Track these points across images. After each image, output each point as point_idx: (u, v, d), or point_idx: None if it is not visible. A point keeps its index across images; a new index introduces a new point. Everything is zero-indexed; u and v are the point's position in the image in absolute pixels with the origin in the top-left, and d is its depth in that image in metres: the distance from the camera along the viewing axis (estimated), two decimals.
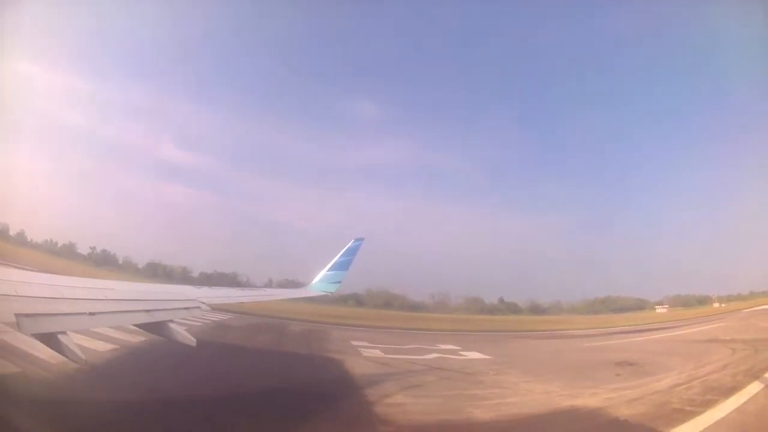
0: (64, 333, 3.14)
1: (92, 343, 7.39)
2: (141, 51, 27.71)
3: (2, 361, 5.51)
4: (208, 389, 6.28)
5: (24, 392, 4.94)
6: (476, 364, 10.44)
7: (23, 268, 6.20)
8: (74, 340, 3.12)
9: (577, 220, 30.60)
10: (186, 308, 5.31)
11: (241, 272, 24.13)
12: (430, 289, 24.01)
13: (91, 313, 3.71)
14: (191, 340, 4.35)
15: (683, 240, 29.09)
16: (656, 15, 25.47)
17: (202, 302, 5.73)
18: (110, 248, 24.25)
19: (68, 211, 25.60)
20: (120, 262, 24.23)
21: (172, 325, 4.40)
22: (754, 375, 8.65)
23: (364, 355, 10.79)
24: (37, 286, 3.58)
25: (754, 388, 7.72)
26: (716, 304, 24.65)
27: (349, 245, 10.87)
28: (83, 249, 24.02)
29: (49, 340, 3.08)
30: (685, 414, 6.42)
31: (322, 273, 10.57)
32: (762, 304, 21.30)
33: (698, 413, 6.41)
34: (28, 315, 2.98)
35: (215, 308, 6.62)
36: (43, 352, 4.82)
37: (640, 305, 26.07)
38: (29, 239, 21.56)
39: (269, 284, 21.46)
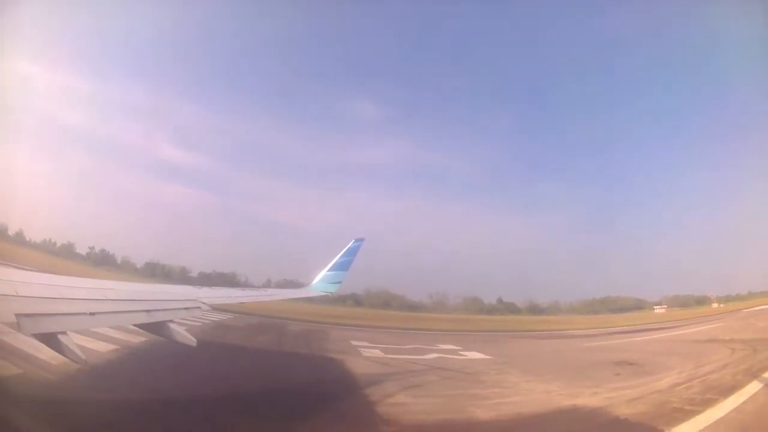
0: (64, 333, 3.13)
1: (93, 344, 7.38)
2: (140, 51, 27.77)
3: (4, 362, 5.51)
4: (208, 389, 6.27)
5: (25, 393, 4.93)
6: (476, 364, 10.45)
7: (23, 268, 6.19)
8: (74, 341, 3.11)
9: (576, 220, 30.73)
10: (186, 308, 5.29)
11: (240, 272, 24.15)
12: (429, 289, 24.08)
13: (91, 313, 3.70)
14: (191, 340, 4.34)
15: (682, 240, 29.27)
16: (656, 15, 25.60)
17: (203, 302, 5.72)
18: (109, 248, 24.24)
19: (67, 211, 25.57)
20: (118, 261, 24.24)
21: (172, 325, 4.38)
22: (753, 374, 8.69)
23: (365, 355, 10.79)
24: (37, 286, 3.57)
25: (753, 387, 7.75)
26: (715, 305, 24.74)
27: (349, 245, 10.86)
28: (82, 249, 24.05)
29: (49, 340, 3.07)
30: (685, 413, 6.45)
31: (323, 273, 10.57)
32: (760, 305, 21.37)
33: (698, 412, 6.44)
34: (28, 315, 2.97)
35: (215, 308, 6.61)
36: (44, 353, 4.82)
37: (639, 305, 26.15)
38: (28, 239, 21.54)
39: (267, 284, 21.49)
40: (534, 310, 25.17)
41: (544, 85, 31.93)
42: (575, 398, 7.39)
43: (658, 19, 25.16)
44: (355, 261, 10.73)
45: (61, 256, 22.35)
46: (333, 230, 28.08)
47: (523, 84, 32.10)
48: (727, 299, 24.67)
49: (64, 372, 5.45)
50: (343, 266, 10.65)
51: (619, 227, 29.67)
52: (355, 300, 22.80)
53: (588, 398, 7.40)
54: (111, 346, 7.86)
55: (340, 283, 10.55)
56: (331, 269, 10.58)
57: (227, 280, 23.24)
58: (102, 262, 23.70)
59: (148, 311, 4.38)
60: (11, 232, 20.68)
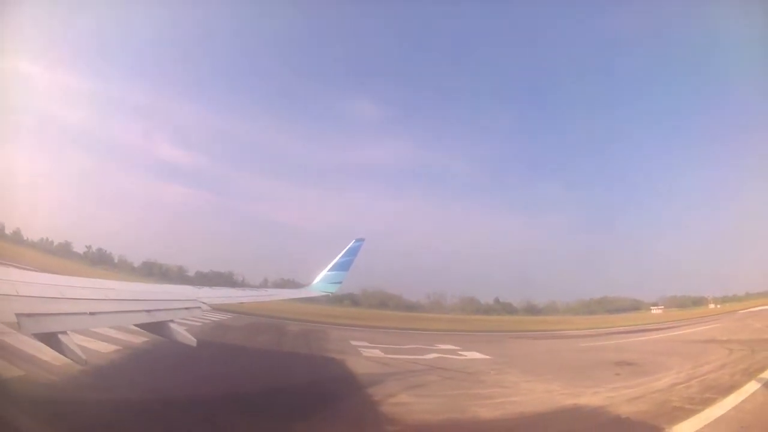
0: (64, 333, 3.10)
1: (94, 344, 7.35)
2: (140, 51, 27.49)
3: (6, 363, 5.46)
4: (208, 389, 6.24)
5: (27, 394, 4.89)
6: (476, 364, 10.46)
7: (23, 268, 6.13)
8: (75, 341, 3.08)
9: (576, 220, 30.75)
10: (186, 308, 5.27)
11: (237, 272, 24.07)
12: (426, 289, 24.07)
13: (91, 313, 3.68)
14: (192, 340, 4.32)
15: (680, 241, 29.33)
16: (656, 15, 25.64)
17: (203, 302, 5.69)
18: (106, 247, 24.10)
19: (64, 210, 25.36)
20: (115, 261, 24.07)
21: (172, 325, 4.37)
22: (751, 374, 8.75)
23: (365, 355, 10.78)
24: (37, 285, 3.54)
25: (752, 387, 7.81)
26: (712, 305, 24.85)
27: (349, 245, 10.84)
28: (79, 248, 23.90)
29: (50, 340, 3.04)
30: (685, 412, 6.50)
31: (323, 273, 10.54)
32: (758, 305, 21.47)
33: (698, 411, 6.49)
34: (28, 315, 2.94)
35: (215, 308, 6.57)
36: (46, 353, 4.79)
37: (636, 306, 26.20)
38: (25, 238, 21.37)
39: (265, 284, 21.46)
40: (531, 310, 25.22)
41: (544, 85, 31.91)
42: (577, 398, 7.43)
43: (658, 19, 25.19)
44: (355, 261, 10.71)
45: (58, 255, 22.19)
46: (333, 230, 27.99)
47: (523, 84, 32.06)
48: (724, 300, 24.76)
49: (66, 373, 5.43)
50: (343, 266, 10.63)
51: (618, 227, 29.74)
52: (352, 300, 22.77)
53: (589, 397, 7.43)
54: (112, 347, 7.83)
55: (340, 283, 10.53)
56: (331, 269, 10.56)
57: (225, 280, 23.16)
58: (99, 261, 23.57)
59: (148, 311, 4.36)
60: (8, 230, 20.54)
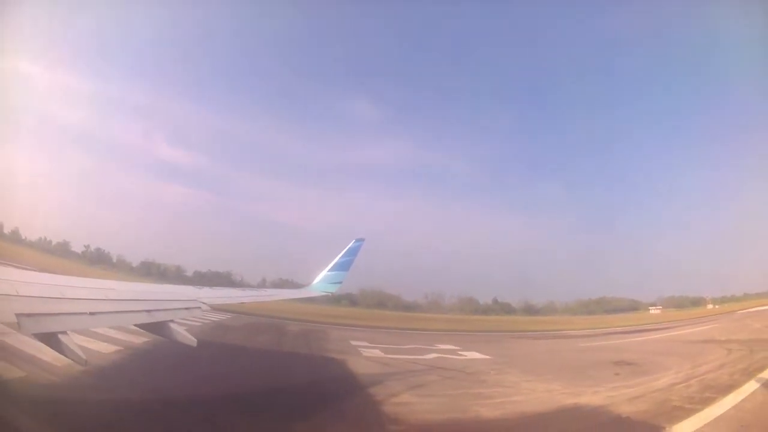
0: (65, 333, 3.08)
1: (94, 344, 7.34)
2: (140, 51, 27.40)
3: (7, 364, 5.44)
4: (208, 389, 6.23)
5: (28, 394, 4.88)
6: (477, 364, 10.48)
7: (23, 268, 6.10)
8: (76, 341, 3.06)
9: (575, 220, 30.80)
10: (186, 308, 5.25)
11: (236, 271, 24.03)
12: (424, 289, 24.07)
13: (91, 313, 3.66)
14: (192, 341, 4.31)
15: (679, 241, 29.43)
16: (656, 15, 25.69)
17: (203, 302, 5.67)
18: (104, 247, 24.02)
19: (63, 210, 25.25)
20: (114, 260, 24.00)
21: (172, 325, 4.35)
22: (750, 374, 8.78)
23: (365, 355, 10.78)
24: (37, 285, 3.52)
25: (751, 386, 7.85)
26: (710, 306, 24.91)
27: (349, 246, 10.82)
28: (77, 247, 23.81)
29: (50, 340, 3.02)
30: (685, 411, 6.53)
31: (323, 273, 10.52)
32: (756, 306, 21.54)
33: (698, 410, 6.53)
34: (29, 315, 2.92)
35: (215, 308, 6.56)
36: (47, 354, 4.77)
37: (634, 306, 26.25)
38: (23, 237, 21.29)
39: (263, 284, 21.43)
40: (529, 310, 25.24)
41: (544, 85, 31.95)
42: (577, 397, 7.46)
43: (658, 19, 25.23)
44: (355, 261, 10.70)
45: (56, 255, 22.12)
46: (333, 230, 27.96)
47: (523, 84, 32.10)
48: (723, 300, 24.82)
49: (67, 374, 5.41)
50: (343, 266, 10.61)
51: (617, 227, 29.78)
52: (350, 300, 22.75)
53: (590, 397, 7.46)
54: (112, 347, 7.82)
55: (340, 283, 10.51)
56: (331, 269, 10.54)
57: (223, 280, 23.12)
58: (97, 261, 23.48)
59: (148, 311, 4.34)
60: (7, 230, 20.45)
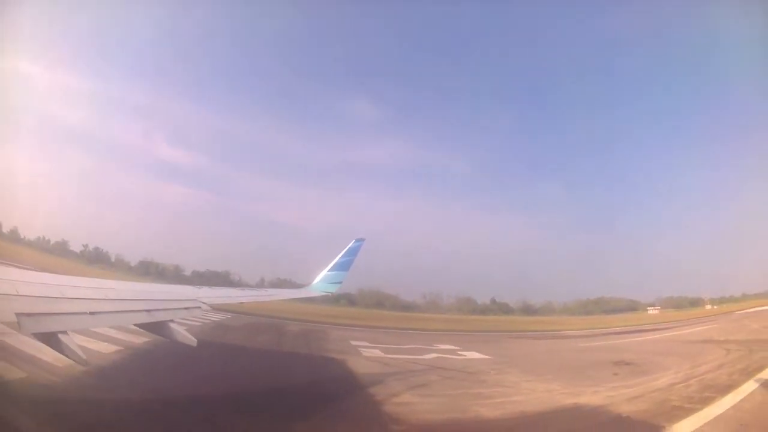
0: (65, 333, 3.07)
1: (95, 345, 7.32)
2: (139, 51, 27.26)
3: (7, 365, 5.42)
4: (208, 389, 6.21)
5: (29, 395, 4.87)
6: (476, 364, 10.49)
7: (24, 268, 6.07)
8: (76, 341, 3.05)
9: (572, 220, 30.82)
10: (186, 308, 5.24)
11: (234, 271, 23.99)
12: (422, 289, 24.08)
13: (91, 313, 3.65)
14: (192, 340, 4.31)
15: (678, 241, 29.49)
16: (656, 15, 25.70)
17: (203, 302, 5.66)
18: (102, 246, 23.95)
19: (61, 209, 25.16)
20: (112, 260, 23.94)
21: (172, 325, 4.35)
22: (749, 374, 8.81)
23: (365, 355, 10.78)
24: (37, 285, 3.51)
25: (750, 386, 7.87)
26: (708, 306, 24.92)
27: (350, 245, 10.82)
28: (76, 247, 23.74)
29: (50, 339, 3.01)
30: (684, 411, 6.55)
31: (323, 273, 10.52)
32: (754, 306, 21.58)
33: (697, 410, 6.54)
34: (29, 314, 2.90)
35: (215, 308, 6.54)
36: (47, 355, 4.75)
37: (632, 306, 26.27)
38: (22, 236, 21.21)
39: (261, 283, 21.42)
40: (527, 310, 25.26)
41: (544, 85, 31.95)
42: (577, 397, 7.47)
43: (658, 19, 25.22)
44: (355, 261, 10.69)
45: (55, 254, 22.04)
46: (333, 230, 27.93)
47: (523, 84, 32.08)
48: (721, 301, 24.83)
49: (67, 374, 5.40)
50: (343, 266, 10.60)
51: (617, 227, 29.77)
52: (349, 300, 22.75)
53: (589, 397, 7.48)
54: (112, 347, 7.80)
55: (340, 283, 10.50)
56: (331, 269, 10.53)
57: (221, 279, 23.10)
58: (96, 260, 23.42)
59: (148, 311, 4.34)
60: (5, 229, 20.38)
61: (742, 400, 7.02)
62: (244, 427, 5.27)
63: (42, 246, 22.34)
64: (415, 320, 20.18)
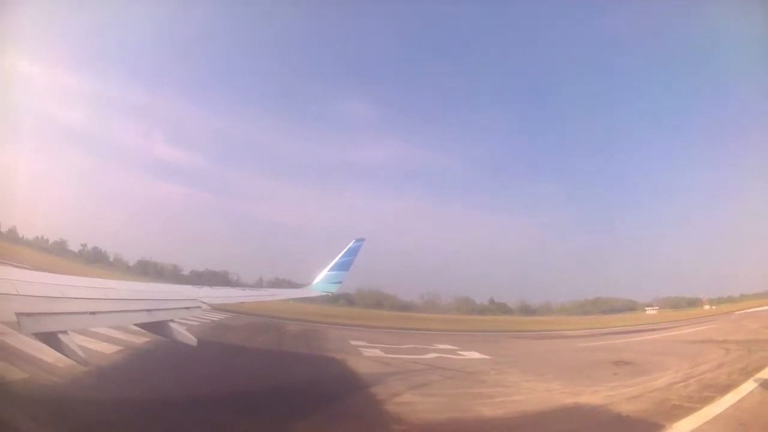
0: (65, 333, 3.05)
1: (95, 345, 7.31)
2: (139, 51, 27.22)
3: (8, 365, 5.40)
4: (208, 389, 6.20)
5: (30, 396, 4.85)
6: (476, 364, 10.51)
7: (24, 267, 6.06)
8: (77, 341, 3.03)
9: (570, 221, 30.90)
10: (186, 308, 5.22)
11: (233, 271, 23.98)
12: (421, 289, 24.09)
13: (92, 313, 3.63)
14: (192, 340, 4.29)
15: (675, 242, 29.51)
16: (656, 15, 25.71)
17: (203, 302, 5.64)
18: (101, 245, 23.90)
19: (60, 209, 25.10)
20: (111, 259, 23.90)
21: (172, 324, 4.33)
22: (748, 374, 8.83)
23: (365, 354, 10.79)
24: (37, 285, 3.49)
25: (750, 386, 7.90)
26: (706, 306, 24.96)
27: (350, 245, 10.81)
28: (74, 246, 23.69)
29: (50, 339, 2.99)
30: (684, 410, 6.56)
31: (323, 273, 10.51)
32: (753, 307, 21.62)
33: (697, 409, 6.56)
34: (29, 314, 2.89)
35: (215, 308, 6.53)
36: (48, 355, 4.73)
37: (631, 306, 26.31)
38: (21, 236, 21.16)
39: (260, 283, 21.40)
40: (525, 310, 25.30)
41: (544, 85, 31.98)
42: (577, 396, 7.49)
43: (658, 19, 25.24)
44: (355, 261, 10.68)
45: (53, 254, 21.99)
46: (333, 230, 27.91)
47: (523, 84, 32.11)
48: (719, 301, 24.87)
49: (68, 374, 5.39)
50: (343, 266, 10.60)
51: (615, 228, 29.78)
52: (348, 300, 22.75)
53: (589, 396, 7.49)
54: (113, 347, 7.79)
55: (340, 283, 10.50)
56: (331, 269, 10.53)
57: (220, 279, 23.08)
58: (94, 260, 23.39)
59: (149, 311, 4.32)
60: (4, 229, 20.32)
61: (741, 400, 7.05)
62: (244, 427, 5.26)
63: (40, 245, 22.29)
64: (414, 320, 20.19)
